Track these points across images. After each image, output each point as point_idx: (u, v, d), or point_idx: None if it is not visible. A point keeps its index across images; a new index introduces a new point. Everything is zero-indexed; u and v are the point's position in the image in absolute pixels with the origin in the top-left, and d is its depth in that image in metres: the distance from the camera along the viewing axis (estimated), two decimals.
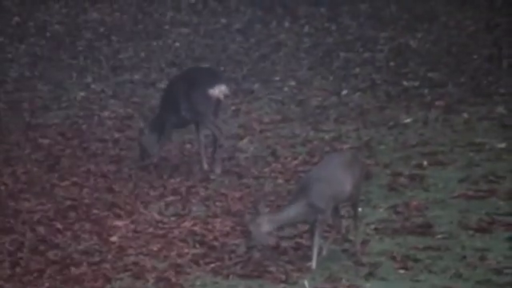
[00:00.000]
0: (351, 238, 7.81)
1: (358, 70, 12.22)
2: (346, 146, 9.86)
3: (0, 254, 7.55)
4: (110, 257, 7.60)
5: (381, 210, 8.47)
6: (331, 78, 12.00)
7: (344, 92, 11.48)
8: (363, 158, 9.36)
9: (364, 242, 7.83)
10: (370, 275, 7.39)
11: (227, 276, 7.37)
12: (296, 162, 9.48)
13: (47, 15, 14.41)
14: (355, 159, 7.65)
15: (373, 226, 8.13)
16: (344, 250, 7.74)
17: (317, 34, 13.62)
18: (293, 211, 7.34)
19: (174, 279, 7.32)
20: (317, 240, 7.39)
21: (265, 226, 7.29)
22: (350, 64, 12.43)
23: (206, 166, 9.15)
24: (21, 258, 7.52)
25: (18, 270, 7.38)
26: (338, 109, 11.00)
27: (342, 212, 7.90)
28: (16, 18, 14.17)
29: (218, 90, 9.03)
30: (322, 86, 11.77)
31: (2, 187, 8.77)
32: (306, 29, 13.84)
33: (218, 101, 9.08)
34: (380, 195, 8.75)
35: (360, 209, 8.31)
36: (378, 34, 13.44)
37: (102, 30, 13.92)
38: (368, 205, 8.53)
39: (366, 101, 11.22)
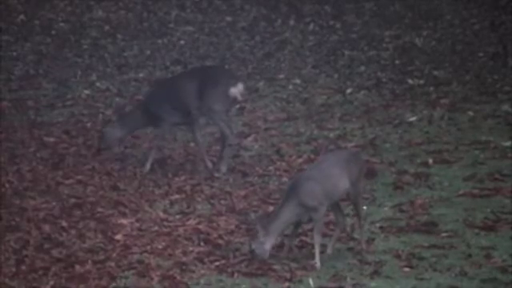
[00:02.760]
0: (356, 236, 7.81)
1: (362, 68, 12.21)
2: (350, 145, 9.85)
3: (5, 252, 7.55)
4: (114, 255, 7.60)
5: (386, 208, 8.46)
6: (336, 76, 11.99)
7: (349, 90, 11.47)
8: (366, 156, 9.35)
9: (369, 241, 7.82)
10: (374, 273, 7.38)
11: (232, 274, 7.37)
12: (301, 160, 9.48)
13: (52, 13, 14.41)
14: (352, 157, 7.65)
15: (378, 225, 8.13)
16: (349, 249, 7.74)
17: (322, 32, 13.61)
18: (286, 214, 7.35)
19: (178, 277, 7.32)
20: (317, 238, 7.40)
21: (267, 242, 7.32)
22: (354, 62, 12.42)
23: (209, 164, 9.14)
24: (26, 256, 7.52)
25: (22, 267, 7.38)
26: (343, 107, 10.99)
27: (347, 210, 7.90)
28: (21, 16, 14.17)
29: (238, 89, 9.02)
30: (327, 84, 11.76)
31: (7, 185, 8.77)
32: (311, 27, 13.83)
33: (235, 100, 9.06)
34: (385, 193, 8.75)
35: (365, 207, 8.31)
36: (383, 32, 13.42)
37: (107, 28, 13.92)
38: (373, 203, 8.53)
39: (370, 99, 11.21)
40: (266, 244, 7.35)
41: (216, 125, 9.13)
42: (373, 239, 7.87)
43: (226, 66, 12.25)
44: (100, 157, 9.49)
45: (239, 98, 9.05)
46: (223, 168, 9.07)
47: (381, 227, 8.09)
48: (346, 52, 12.77)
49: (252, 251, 7.38)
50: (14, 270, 7.34)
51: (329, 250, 7.60)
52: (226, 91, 8.96)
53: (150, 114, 9.11)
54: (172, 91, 9.13)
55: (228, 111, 9.08)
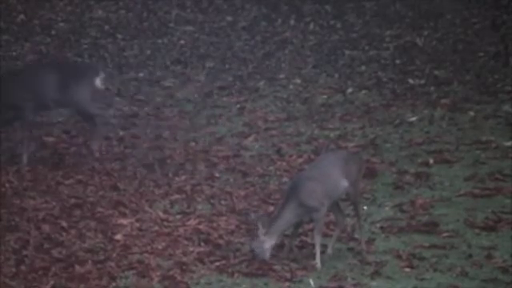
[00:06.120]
0: (356, 236, 7.79)
1: (363, 67, 12.19)
2: (351, 145, 9.84)
3: (5, 252, 7.53)
4: (114, 255, 7.58)
5: (386, 208, 8.45)
6: (336, 75, 11.98)
7: (349, 90, 11.46)
8: (367, 156, 9.34)
9: (369, 241, 7.81)
10: (375, 274, 7.37)
11: (232, 274, 7.35)
12: (301, 160, 9.46)
13: (52, 13, 14.40)
14: (351, 157, 7.66)
15: (378, 225, 8.11)
16: (349, 249, 7.72)
17: (322, 32, 13.60)
18: (287, 215, 7.35)
19: (178, 277, 7.31)
20: (317, 239, 7.39)
21: (267, 242, 7.32)
22: (355, 62, 12.41)
23: (25, 159, 9.03)
24: (26, 256, 7.51)
25: (22, 267, 7.37)
26: (344, 107, 10.98)
27: (347, 210, 7.88)
28: (21, 16, 14.16)
29: (101, 77, 9.12)
30: (328, 83, 11.74)
31: (7, 185, 8.76)
32: (311, 26, 13.82)
33: (100, 88, 9.15)
34: (385, 193, 8.73)
35: (365, 207, 8.30)
36: (384, 31, 13.41)
37: (106, 27, 13.91)
38: (373, 203, 8.51)
39: (371, 99, 11.19)
40: (266, 244, 7.34)
41: (86, 119, 9.12)
42: (373, 239, 7.85)
43: (227, 66, 12.25)
44: (100, 157, 9.45)
45: (102, 86, 9.10)
46: (94, 145, 9.11)
47: (381, 227, 8.07)
48: (347, 52, 12.75)
49: (252, 251, 7.37)
50: (13, 269, 7.33)
51: (329, 250, 7.58)
52: (92, 85, 9.03)
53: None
54: (27, 82, 9.05)
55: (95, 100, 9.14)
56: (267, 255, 7.38)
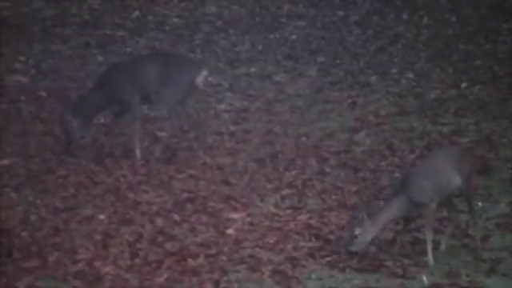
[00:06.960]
0: (471, 233, 7.64)
1: (478, 62, 11.95)
2: (465, 140, 9.65)
3: (120, 245, 7.65)
4: (226, 249, 7.62)
5: (502, 204, 8.26)
6: (450, 70, 11.77)
7: (464, 84, 11.25)
8: (482, 152, 9.15)
9: (484, 238, 7.65)
10: (490, 271, 7.21)
11: (343, 270, 7.30)
12: (413, 155, 9.33)
13: (166, 9, 14.60)
14: (464, 153, 7.53)
15: (494, 221, 7.94)
16: (464, 246, 7.58)
17: (436, 26, 13.39)
18: (393, 208, 7.25)
19: (289, 272, 7.30)
20: (428, 235, 7.27)
21: (369, 232, 7.23)
22: (470, 56, 12.17)
23: (138, 154, 8.98)
24: (140, 249, 7.61)
25: (137, 260, 7.48)
26: (458, 101, 10.78)
27: (461, 207, 7.74)
28: (136, 12, 14.40)
29: (203, 78, 8.90)
30: (441, 78, 11.55)
31: (122, 179, 8.91)
32: (425, 20, 13.62)
33: (197, 89, 8.89)
34: (501, 190, 8.54)
35: (480, 203, 8.13)
36: (501, 25, 13.10)
37: (219, 23, 14.01)
38: (488, 199, 8.34)
39: (486, 93, 10.96)
40: (368, 234, 7.24)
41: (167, 116, 8.96)
42: (488, 236, 7.69)
43: (338, 60, 12.18)
44: (212, 151, 9.52)
45: (201, 86, 8.84)
46: (156, 153, 8.99)
47: (497, 224, 7.90)
48: (461, 46, 12.52)
49: (352, 237, 7.25)
50: (128, 262, 7.44)
51: (442, 247, 7.46)
52: (191, 80, 8.79)
53: (111, 97, 8.96)
54: (134, 72, 8.93)
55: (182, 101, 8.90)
56: (365, 246, 7.27)
